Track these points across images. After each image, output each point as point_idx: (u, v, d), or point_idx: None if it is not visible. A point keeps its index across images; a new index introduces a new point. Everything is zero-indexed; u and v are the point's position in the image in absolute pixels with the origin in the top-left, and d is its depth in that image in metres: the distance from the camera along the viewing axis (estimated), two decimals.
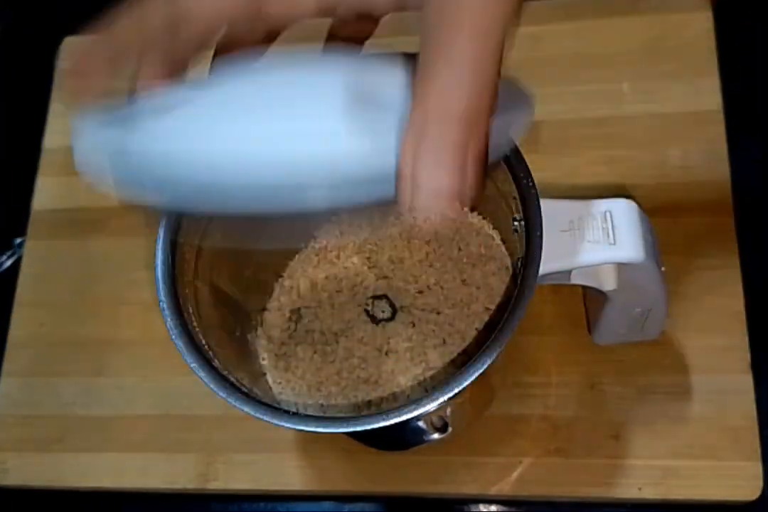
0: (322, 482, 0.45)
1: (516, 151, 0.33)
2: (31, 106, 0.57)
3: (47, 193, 0.54)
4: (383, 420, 0.31)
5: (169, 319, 0.34)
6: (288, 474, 0.45)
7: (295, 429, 0.32)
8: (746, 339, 0.44)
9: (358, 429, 0.31)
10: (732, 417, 0.43)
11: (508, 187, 0.35)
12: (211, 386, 0.33)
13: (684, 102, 0.48)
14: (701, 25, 0.50)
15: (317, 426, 0.32)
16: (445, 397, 0.31)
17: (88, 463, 0.47)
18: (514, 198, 0.34)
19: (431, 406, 0.31)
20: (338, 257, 0.43)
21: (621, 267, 0.34)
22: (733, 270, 0.45)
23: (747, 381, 0.43)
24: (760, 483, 0.41)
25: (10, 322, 0.51)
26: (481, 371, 0.31)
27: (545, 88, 0.50)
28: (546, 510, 0.44)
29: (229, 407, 0.46)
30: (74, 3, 0.61)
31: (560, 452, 0.43)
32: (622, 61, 0.50)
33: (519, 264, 0.35)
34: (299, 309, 0.43)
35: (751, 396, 0.43)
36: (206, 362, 0.34)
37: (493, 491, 0.43)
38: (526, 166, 0.33)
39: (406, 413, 0.31)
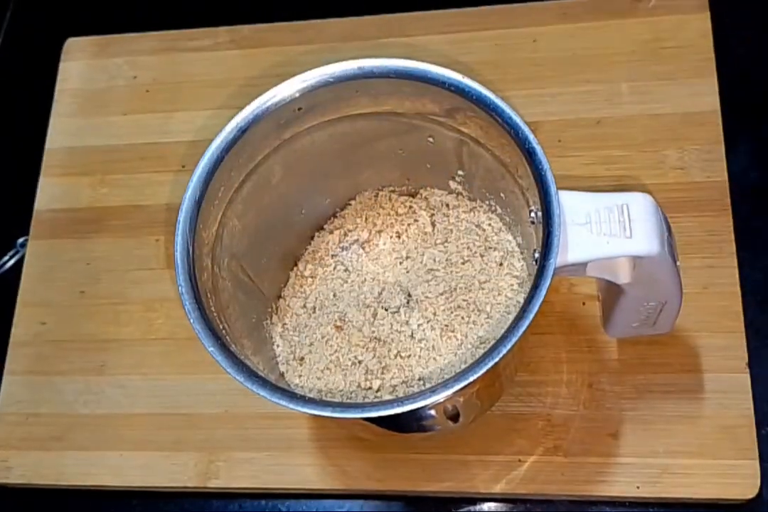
0: (322, 480, 0.45)
1: (537, 146, 0.34)
2: (34, 106, 0.57)
3: (49, 193, 0.54)
4: (398, 406, 0.31)
5: (187, 303, 0.34)
6: (288, 472, 0.45)
7: (310, 413, 0.32)
8: (744, 338, 0.44)
9: (373, 415, 0.31)
10: (730, 416, 0.43)
11: (526, 180, 0.35)
12: (229, 370, 0.33)
13: (682, 103, 0.49)
14: (699, 27, 0.50)
15: (333, 412, 0.32)
16: (460, 386, 0.31)
17: (89, 462, 0.47)
18: (529, 190, 0.35)
19: (445, 394, 0.31)
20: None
21: (637, 260, 0.34)
22: (730, 270, 0.45)
23: (744, 380, 0.43)
24: (757, 482, 0.42)
25: (12, 321, 0.51)
26: (497, 360, 0.31)
27: (543, 88, 0.51)
28: (545, 508, 0.44)
29: (230, 405, 0.47)
30: (77, 4, 0.61)
31: (559, 450, 0.43)
32: (620, 62, 0.50)
33: (535, 255, 0.35)
34: (313, 297, 0.43)
35: (748, 395, 0.43)
36: (224, 346, 0.34)
37: (493, 489, 0.44)
38: (546, 159, 0.34)
39: (421, 400, 0.31)
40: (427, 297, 0.41)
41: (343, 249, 0.45)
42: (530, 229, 0.37)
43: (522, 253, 0.41)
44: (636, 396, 0.44)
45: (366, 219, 0.45)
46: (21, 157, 0.57)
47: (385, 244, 0.44)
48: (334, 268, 0.44)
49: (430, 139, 0.40)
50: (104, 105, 0.56)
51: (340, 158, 0.42)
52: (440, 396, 0.31)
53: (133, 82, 0.56)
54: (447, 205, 0.44)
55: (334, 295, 0.43)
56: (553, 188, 0.33)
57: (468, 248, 0.42)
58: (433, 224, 0.44)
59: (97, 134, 0.55)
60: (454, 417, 0.39)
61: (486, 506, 0.44)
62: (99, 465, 0.47)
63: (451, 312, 0.41)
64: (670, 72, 0.50)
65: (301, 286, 0.44)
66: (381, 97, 0.38)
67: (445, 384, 0.31)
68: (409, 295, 0.42)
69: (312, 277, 0.44)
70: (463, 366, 0.32)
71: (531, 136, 0.34)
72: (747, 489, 0.42)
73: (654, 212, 0.33)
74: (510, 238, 0.42)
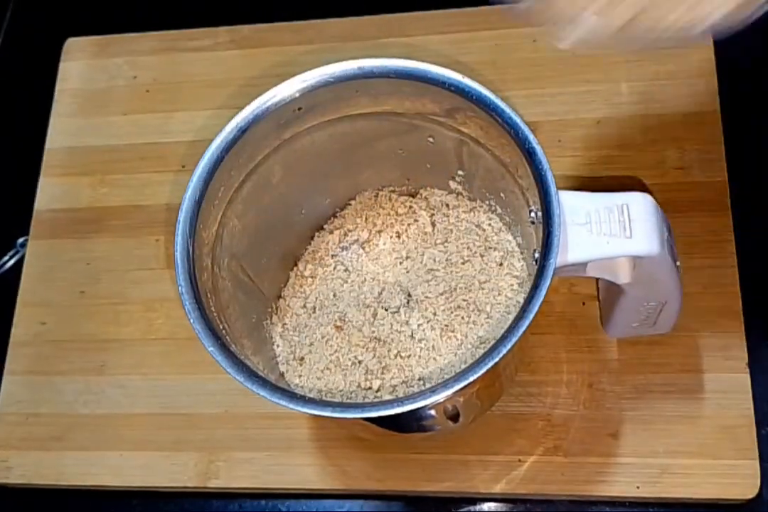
0: (322, 480, 0.45)
1: (537, 146, 0.34)
2: (34, 106, 0.57)
3: (49, 193, 0.54)
4: (398, 406, 0.31)
5: (187, 303, 0.34)
6: (288, 472, 0.45)
7: (310, 413, 0.32)
8: (744, 338, 0.44)
9: (373, 415, 0.32)
10: (730, 416, 0.43)
11: (526, 180, 0.35)
12: (229, 370, 0.33)
13: (681, 103, 0.49)
14: None
15: (333, 412, 0.32)
16: (460, 386, 0.31)
17: (89, 461, 0.47)
18: (529, 190, 0.35)
19: (445, 394, 0.31)
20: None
21: (636, 260, 0.34)
22: (730, 270, 0.45)
23: (744, 380, 0.43)
24: (757, 482, 0.42)
25: (12, 321, 0.51)
26: (497, 360, 0.31)
27: (543, 88, 0.51)
28: (545, 508, 0.44)
29: (230, 405, 0.47)
30: (77, 4, 0.61)
31: (559, 450, 0.43)
32: (620, 62, 0.50)
33: (535, 255, 0.35)
34: (313, 297, 0.43)
35: (748, 395, 0.43)
36: (224, 346, 0.34)
37: (493, 489, 0.44)
38: (546, 159, 0.34)
39: (421, 400, 0.31)
40: (427, 297, 0.41)
41: (343, 249, 0.45)
42: (530, 229, 0.37)
43: (522, 252, 0.42)
44: (636, 396, 0.44)
45: (366, 219, 0.45)
46: (21, 157, 0.57)
47: (385, 243, 0.44)
48: (334, 268, 0.44)
49: (430, 139, 0.40)
50: (104, 105, 0.56)
51: (340, 158, 0.42)
52: (440, 396, 0.31)
53: (133, 82, 0.56)
54: (447, 205, 0.44)
55: (334, 295, 0.43)
56: (553, 188, 0.33)
57: (468, 248, 0.42)
58: (433, 224, 0.44)
59: (97, 134, 0.55)
60: (454, 417, 0.39)
61: (486, 506, 0.44)
62: (99, 465, 0.47)
63: (451, 312, 0.41)
64: (670, 72, 0.50)
65: (301, 286, 0.44)
66: (381, 97, 0.38)
67: (445, 384, 0.31)
68: (409, 295, 0.42)
69: (312, 277, 0.44)
70: (463, 366, 0.32)
71: (531, 136, 0.34)
72: (747, 489, 0.42)
73: (654, 212, 0.34)
74: (510, 238, 0.42)
